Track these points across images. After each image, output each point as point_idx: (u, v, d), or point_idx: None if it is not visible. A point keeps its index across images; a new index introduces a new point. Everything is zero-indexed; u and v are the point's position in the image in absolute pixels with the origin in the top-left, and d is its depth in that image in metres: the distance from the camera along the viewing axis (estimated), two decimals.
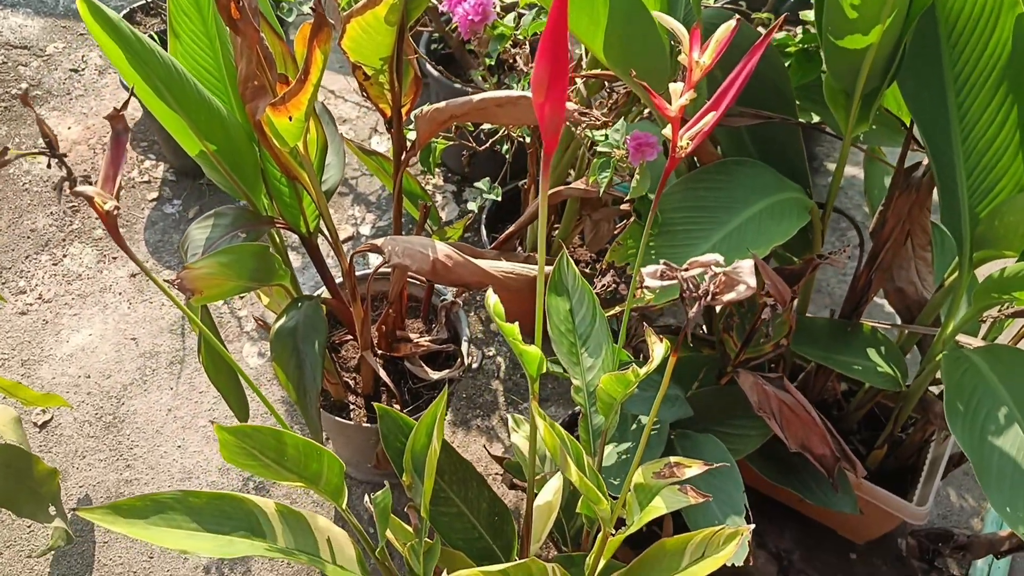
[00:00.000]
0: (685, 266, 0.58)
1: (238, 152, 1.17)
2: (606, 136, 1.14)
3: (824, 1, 1.04)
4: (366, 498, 1.03)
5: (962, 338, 1.26)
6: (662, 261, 0.59)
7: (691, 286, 0.58)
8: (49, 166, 0.77)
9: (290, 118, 1.01)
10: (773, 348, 1.25)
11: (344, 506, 0.98)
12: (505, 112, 1.23)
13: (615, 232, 1.71)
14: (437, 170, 2.27)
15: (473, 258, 1.23)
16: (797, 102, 1.30)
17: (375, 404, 1.10)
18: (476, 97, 1.22)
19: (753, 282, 0.58)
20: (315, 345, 1.30)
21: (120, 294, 2.02)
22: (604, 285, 1.15)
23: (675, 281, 0.58)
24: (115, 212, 0.70)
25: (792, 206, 1.19)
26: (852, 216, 1.33)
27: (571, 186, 1.29)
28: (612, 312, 1.12)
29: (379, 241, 1.21)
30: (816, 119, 1.38)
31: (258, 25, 1.01)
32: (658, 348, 0.81)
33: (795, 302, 1.25)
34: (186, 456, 1.77)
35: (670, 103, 0.74)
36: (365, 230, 2.16)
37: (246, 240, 1.22)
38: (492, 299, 0.82)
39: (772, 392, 1.22)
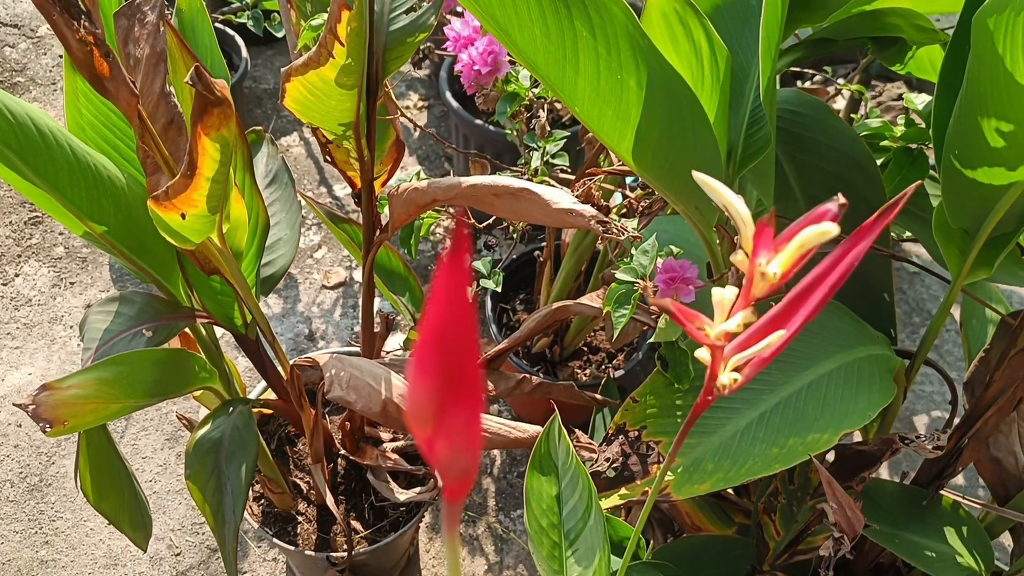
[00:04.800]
0: None
1: (142, 231, 0.88)
2: (630, 259, 0.84)
3: (953, 116, 0.72)
4: None
5: None
6: None
7: None
8: None
9: (183, 216, 0.72)
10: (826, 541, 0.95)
11: None
12: (504, 204, 0.93)
13: (644, 330, 1.40)
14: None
15: None
16: None
17: None
18: (466, 181, 0.92)
19: None
20: (242, 468, 1.02)
21: (71, 327, 1.76)
22: (609, 459, 0.85)
23: None
24: None
25: (874, 368, 0.88)
26: (945, 371, 1.02)
27: (581, 301, 0.99)
28: (612, 502, 0.83)
29: (321, 358, 0.93)
30: (907, 235, 1.07)
31: (151, 78, 0.73)
32: None
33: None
34: (115, 537, 1.50)
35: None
36: (359, 275, 1.88)
37: (152, 340, 0.94)
38: None
39: None
